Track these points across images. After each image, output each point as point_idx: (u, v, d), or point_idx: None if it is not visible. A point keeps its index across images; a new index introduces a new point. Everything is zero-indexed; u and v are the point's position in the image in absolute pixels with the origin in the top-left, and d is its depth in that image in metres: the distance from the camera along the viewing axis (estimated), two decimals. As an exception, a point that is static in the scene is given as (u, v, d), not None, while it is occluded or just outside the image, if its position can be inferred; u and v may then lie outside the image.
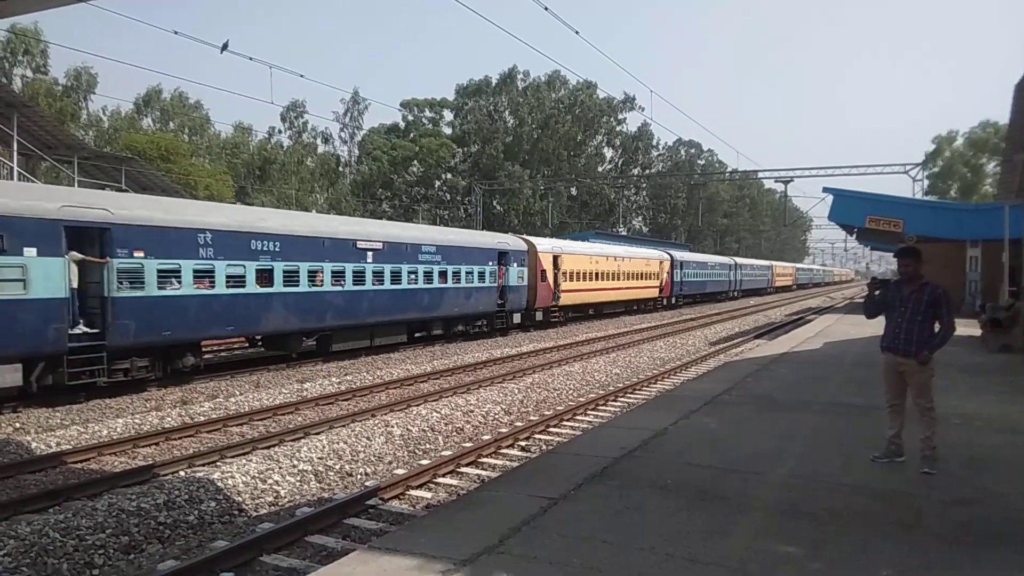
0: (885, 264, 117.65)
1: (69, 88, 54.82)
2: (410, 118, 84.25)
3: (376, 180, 76.15)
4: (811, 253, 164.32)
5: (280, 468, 9.54)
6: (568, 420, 13.28)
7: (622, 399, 15.42)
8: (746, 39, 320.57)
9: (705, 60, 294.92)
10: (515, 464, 10.11)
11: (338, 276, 19.71)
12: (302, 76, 40.05)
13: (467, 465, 10.26)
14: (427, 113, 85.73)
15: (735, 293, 65.38)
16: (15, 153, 26.87)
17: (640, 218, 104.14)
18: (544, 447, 11.35)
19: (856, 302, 51.82)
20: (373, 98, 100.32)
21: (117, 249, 14.28)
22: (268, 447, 10.76)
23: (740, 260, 70.69)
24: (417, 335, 24.60)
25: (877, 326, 7.28)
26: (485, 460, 10.57)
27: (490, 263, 27.28)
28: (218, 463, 9.92)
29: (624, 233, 78.67)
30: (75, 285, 13.67)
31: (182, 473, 9.46)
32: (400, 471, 10.08)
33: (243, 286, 16.87)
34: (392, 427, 11.84)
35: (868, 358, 16.40)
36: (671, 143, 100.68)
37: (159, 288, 15.03)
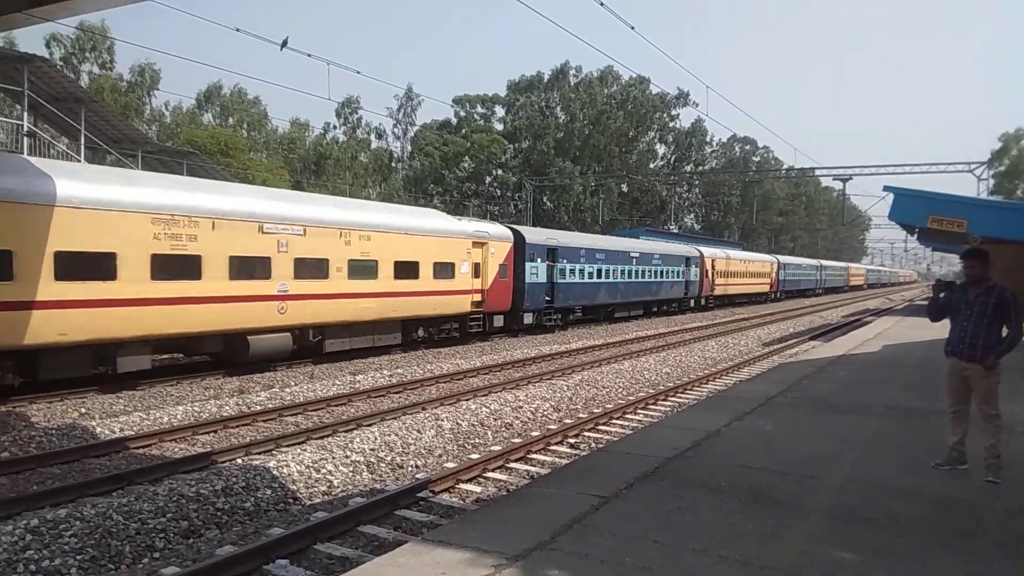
0: (947, 265, 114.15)
1: (133, 84, 56.59)
2: (462, 114, 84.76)
3: (428, 176, 76.80)
4: (869, 253, 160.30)
5: (333, 458, 9.71)
6: (617, 418, 13.22)
7: (672, 399, 15.29)
8: (806, 33, 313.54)
9: (763, 54, 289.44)
10: (565, 461, 10.13)
11: (623, 272, 34.48)
12: (358, 72, 40.56)
13: (516, 460, 10.30)
14: (479, 109, 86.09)
15: (820, 290, 75.54)
16: (83, 147, 27.84)
17: (692, 215, 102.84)
18: (594, 445, 11.32)
19: (916, 304, 50.34)
20: (426, 94, 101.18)
21: (559, 258, 28.73)
22: (322, 437, 10.98)
23: (824, 262, 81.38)
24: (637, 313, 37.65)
25: (940, 329, 7.07)
26: (534, 456, 10.60)
27: (681, 265, 41.22)
28: (274, 452, 10.16)
29: (675, 231, 77.83)
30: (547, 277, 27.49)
31: (239, 461, 9.71)
32: (450, 464, 10.17)
33: (592, 277, 31.70)
34: (442, 420, 11.95)
35: (930, 362, 15.93)
36: (725, 140, 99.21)
37: (567, 278, 29.41)
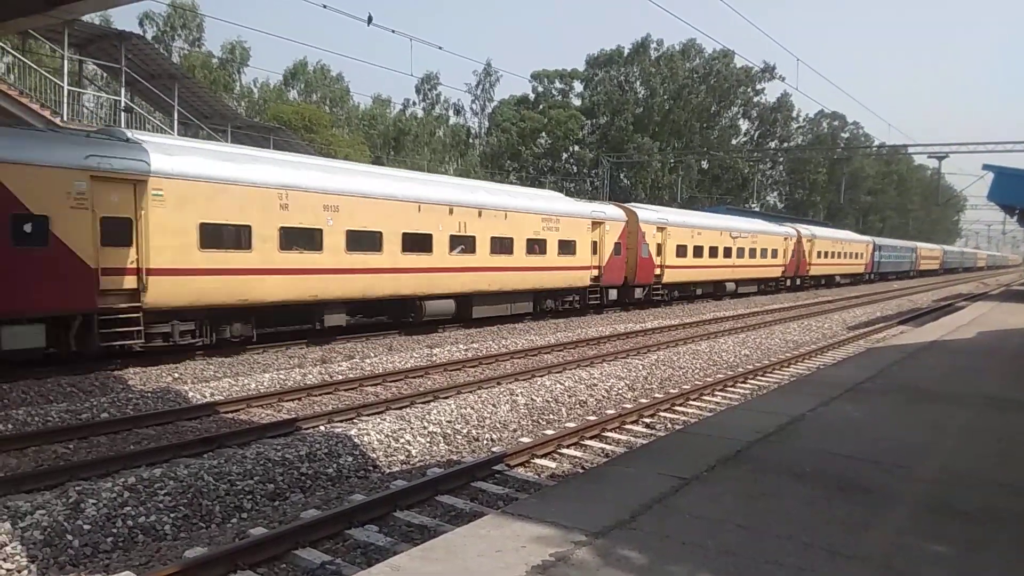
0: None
1: (225, 61, 58.39)
2: (540, 89, 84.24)
3: (504, 152, 76.82)
4: (964, 235, 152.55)
5: (411, 429, 9.90)
6: (695, 400, 13.02)
7: (752, 381, 14.95)
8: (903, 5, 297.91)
9: (857, 24, 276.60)
10: (641, 441, 10.05)
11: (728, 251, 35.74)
12: (440, 48, 40.92)
13: (591, 438, 10.28)
14: (557, 84, 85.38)
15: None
16: (175, 121, 28.97)
17: (775, 193, 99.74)
18: (670, 426, 11.19)
19: (1014, 289, 47.66)
20: (505, 69, 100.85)
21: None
22: (400, 408, 11.20)
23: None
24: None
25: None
26: (609, 434, 10.55)
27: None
28: (355, 420, 10.43)
29: (757, 208, 75.66)
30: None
31: (322, 428, 10.00)
32: (525, 439, 10.23)
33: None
34: (517, 396, 12.02)
35: (1031, 351, 15.11)
36: (812, 115, 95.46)
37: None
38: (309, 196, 16.30)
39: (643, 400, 12.94)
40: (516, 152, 77.66)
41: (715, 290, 35.84)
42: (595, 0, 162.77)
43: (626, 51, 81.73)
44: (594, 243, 26.12)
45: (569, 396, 12.68)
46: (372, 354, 16.22)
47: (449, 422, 10.40)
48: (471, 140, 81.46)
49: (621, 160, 72.24)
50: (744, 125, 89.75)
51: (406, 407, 11.26)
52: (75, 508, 6.67)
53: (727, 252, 35.76)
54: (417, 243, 19.00)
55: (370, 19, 18.29)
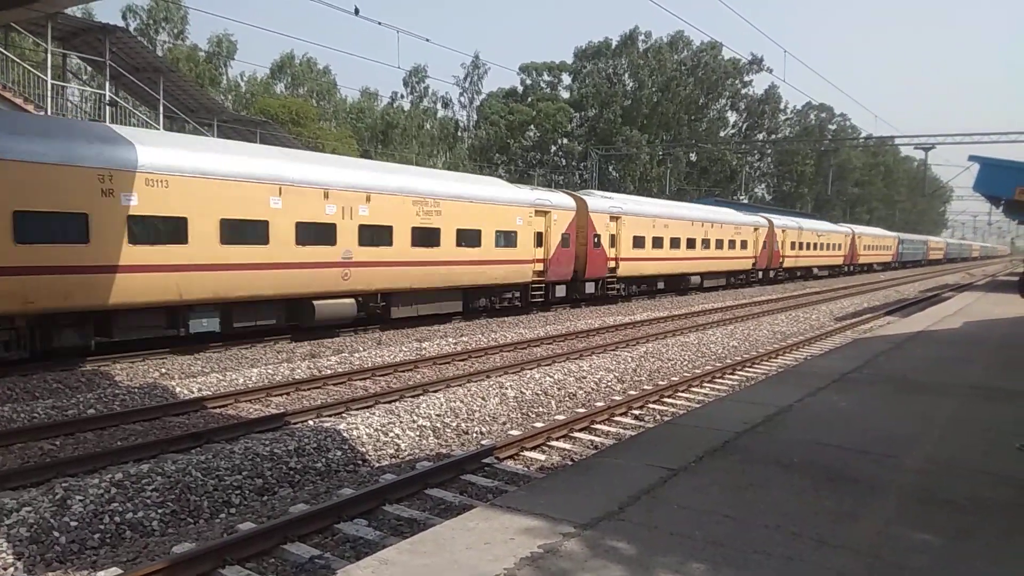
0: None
1: (212, 54, 57.91)
2: (528, 82, 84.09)
3: (493, 145, 76.68)
4: (950, 226, 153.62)
5: (401, 422, 9.89)
6: (683, 391, 13.06)
7: (740, 372, 15.01)
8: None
9: (844, 17, 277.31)
10: (630, 432, 10.08)
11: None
12: (427, 40, 40.51)
13: (580, 431, 10.30)
14: (545, 77, 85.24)
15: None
16: (161, 115, 28.74)
17: (763, 185, 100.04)
18: (659, 417, 11.23)
19: (999, 279, 48.05)
20: (493, 62, 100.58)
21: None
22: (390, 402, 11.18)
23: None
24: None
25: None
26: (599, 427, 10.57)
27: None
28: (344, 414, 10.40)
29: (745, 200, 75.87)
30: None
31: (311, 422, 9.98)
32: (515, 432, 10.24)
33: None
34: (506, 389, 12.02)
35: (1016, 339, 15.25)
36: (800, 107, 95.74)
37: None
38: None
39: (632, 392, 12.97)
40: (505, 145, 77.56)
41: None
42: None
43: (614, 43, 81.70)
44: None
45: (558, 389, 12.69)
46: (361, 348, 16.17)
47: (438, 415, 10.39)
48: (459, 133, 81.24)
49: (610, 153, 72.25)
50: (732, 117, 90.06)
51: (395, 401, 11.24)
52: (62, 505, 6.62)
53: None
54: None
55: (357, 10, 18.17)
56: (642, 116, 78.08)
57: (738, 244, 38.70)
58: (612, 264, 27.85)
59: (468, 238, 20.86)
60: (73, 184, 12.72)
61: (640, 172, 75.62)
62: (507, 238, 22.47)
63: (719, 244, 36.43)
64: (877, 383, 9.83)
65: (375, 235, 17.99)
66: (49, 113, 21.97)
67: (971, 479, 5.82)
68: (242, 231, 15.18)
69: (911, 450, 6.58)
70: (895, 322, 21.58)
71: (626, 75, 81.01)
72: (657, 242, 30.77)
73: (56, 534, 6.31)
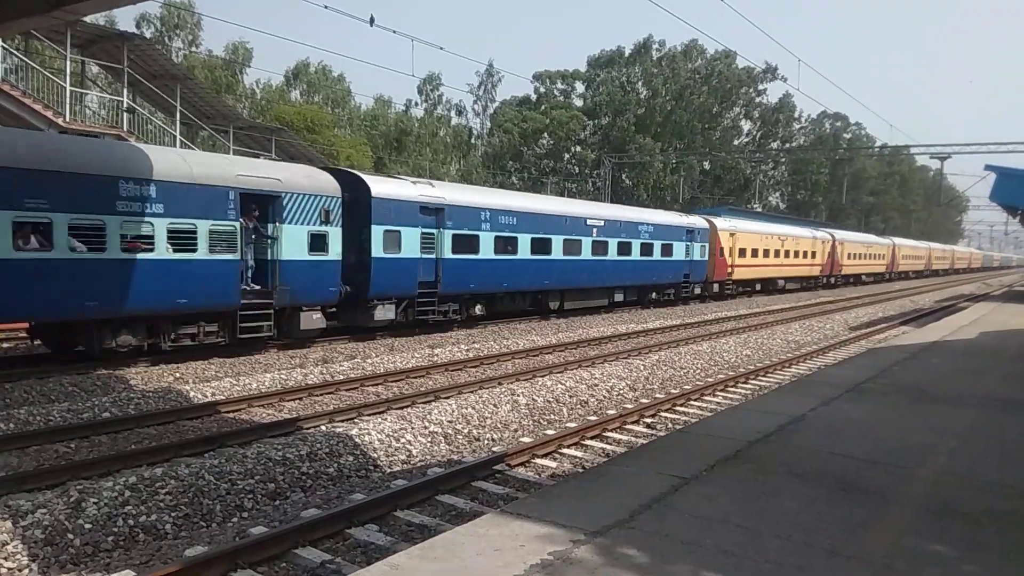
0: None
1: (228, 61, 58.36)
2: (542, 90, 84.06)
3: (506, 152, 76.75)
4: (966, 236, 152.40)
5: (412, 428, 9.91)
6: (696, 400, 13.01)
7: (753, 381, 14.94)
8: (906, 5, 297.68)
9: (859, 25, 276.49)
10: (641, 440, 10.05)
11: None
12: (441, 48, 40.89)
13: (592, 438, 10.28)
14: (559, 85, 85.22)
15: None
16: (177, 122, 28.98)
17: (777, 194, 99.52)
18: (671, 425, 11.19)
19: (1016, 290, 47.58)
20: (507, 70, 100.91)
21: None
22: (401, 408, 11.20)
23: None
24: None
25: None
26: (610, 434, 10.55)
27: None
28: (356, 420, 10.43)
29: (759, 209, 75.63)
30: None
31: (323, 428, 10.00)
32: (526, 439, 10.23)
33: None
34: (518, 396, 12.02)
35: (1033, 351, 15.08)
36: (815, 116, 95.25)
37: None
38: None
39: (644, 400, 12.94)
40: (518, 153, 77.60)
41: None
42: (597, 1, 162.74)
43: (628, 52, 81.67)
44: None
45: (570, 396, 12.68)
46: (373, 354, 16.22)
47: (450, 422, 10.41)
48: (473, 141, 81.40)
49: (623, 161, 72.15)
50: (746, 126, 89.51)
51: (407, 407, 11.25)
52: (76, 507, 6.68)
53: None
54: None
55: (372, 20, 18.30)
56: (655, 124, 77.90)
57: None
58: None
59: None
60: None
61: (653, 180, 75.44)
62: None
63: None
64: (891, 393, 9.76)
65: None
66: (67, 120, 22.23)
67: (986, 491, 5.77)
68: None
69: (925, 461, 6.53)
70: (910, 332, 21.42)
71: (639, 83, 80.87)
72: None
73: (70, 536, 6.36)
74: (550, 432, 10.55)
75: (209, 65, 54.46)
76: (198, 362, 14.55)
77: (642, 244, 28.87)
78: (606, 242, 26.65)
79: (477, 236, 21.13)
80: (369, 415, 10.79)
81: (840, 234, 53.40)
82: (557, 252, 24.18)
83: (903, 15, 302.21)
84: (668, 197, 72.19)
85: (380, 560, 4.49)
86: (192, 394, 11.81)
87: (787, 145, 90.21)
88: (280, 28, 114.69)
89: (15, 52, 24.45)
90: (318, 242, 16.54)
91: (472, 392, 12.36)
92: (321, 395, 12.35)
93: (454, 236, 20.26)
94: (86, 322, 13.13)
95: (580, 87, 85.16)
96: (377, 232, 18.04)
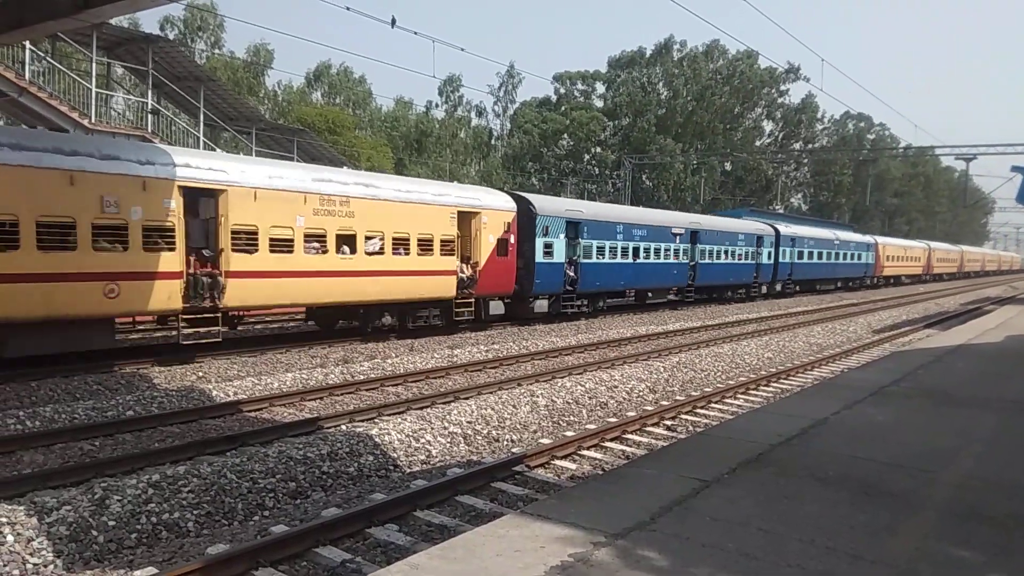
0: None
1: (249, 63, 58.88)
2: (562, 91, 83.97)
3: (526, 153, 76.75)
4: (992, 238, 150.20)
5: (432, 429, 9.93)
6: (716, 402, 12.93)
7: (775, 384, 14.81)
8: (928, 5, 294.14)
9: (883, 25, 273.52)
10: (661, 443, 10.00)
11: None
12: (462, 50, 40.85)
13: (612, 440, 10.25)
14: (579, 86, 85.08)
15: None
16: (201, 124, 29.29)
17: (800, 195, 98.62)
18: (692, 428, 11.13)
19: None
20: (527, 71, 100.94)
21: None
22: (421, 408, 11.24)
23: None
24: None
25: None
26: (630, 436, 10.51)
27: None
28: (376, 420, 10.47)
29: (781, 211, 75.04)
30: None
31: (343, 427, 10.05)
32: (545, 440, 10.22)
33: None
34: (537, 397, 12.01)
35: (1062, 355, 14.82)
36: (838, 116, 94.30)
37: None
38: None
39: (664, 402, 12.88)
40: (538, 154, 77.59)
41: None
42: (618, 1, 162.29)
43: (648, 52, 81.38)
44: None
45: (590, 398, 12.64)
46: (393, 354, 16.29)
47: (469, 423, 10.42)
48: (493, 142, 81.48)
49: (643, 162, 71.86)
50: (768, 126, 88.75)
51: (427, 407, 11.29)
52: (100, 504, 6.77)
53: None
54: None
55: (394, 21, 18.34)
56: (676, 125, 77.49)
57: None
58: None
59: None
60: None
61: (674, 181, 75.08)
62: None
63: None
64: (916, 397, 9.63)
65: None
66: (93, 121, 22.54)
67: (1012, 495, 5.68)
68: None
69: (950, 465, 6.44)
70: (935, 335, 21.15)
71: (660, 84, 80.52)
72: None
73: (94, 533, 6.45)
74: (570, 433, 10.54)
75: (231, 67, 54.95)
76: (220, 361, 14.70)
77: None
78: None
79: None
80: (389, 415, 10.84)
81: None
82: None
83: (929, 14, 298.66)
84: (689, 198, 71.83)
85: (400, 560, 4.49)
86: (214, 393, 11.92)
87: (810, 146, 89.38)
88: (301, 30, 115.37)
89: (42, 54, 24.83)
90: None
91: (491, 393, 12.37)
92: (341, 395, 12.41)
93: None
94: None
95: (600, 88, 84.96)
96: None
